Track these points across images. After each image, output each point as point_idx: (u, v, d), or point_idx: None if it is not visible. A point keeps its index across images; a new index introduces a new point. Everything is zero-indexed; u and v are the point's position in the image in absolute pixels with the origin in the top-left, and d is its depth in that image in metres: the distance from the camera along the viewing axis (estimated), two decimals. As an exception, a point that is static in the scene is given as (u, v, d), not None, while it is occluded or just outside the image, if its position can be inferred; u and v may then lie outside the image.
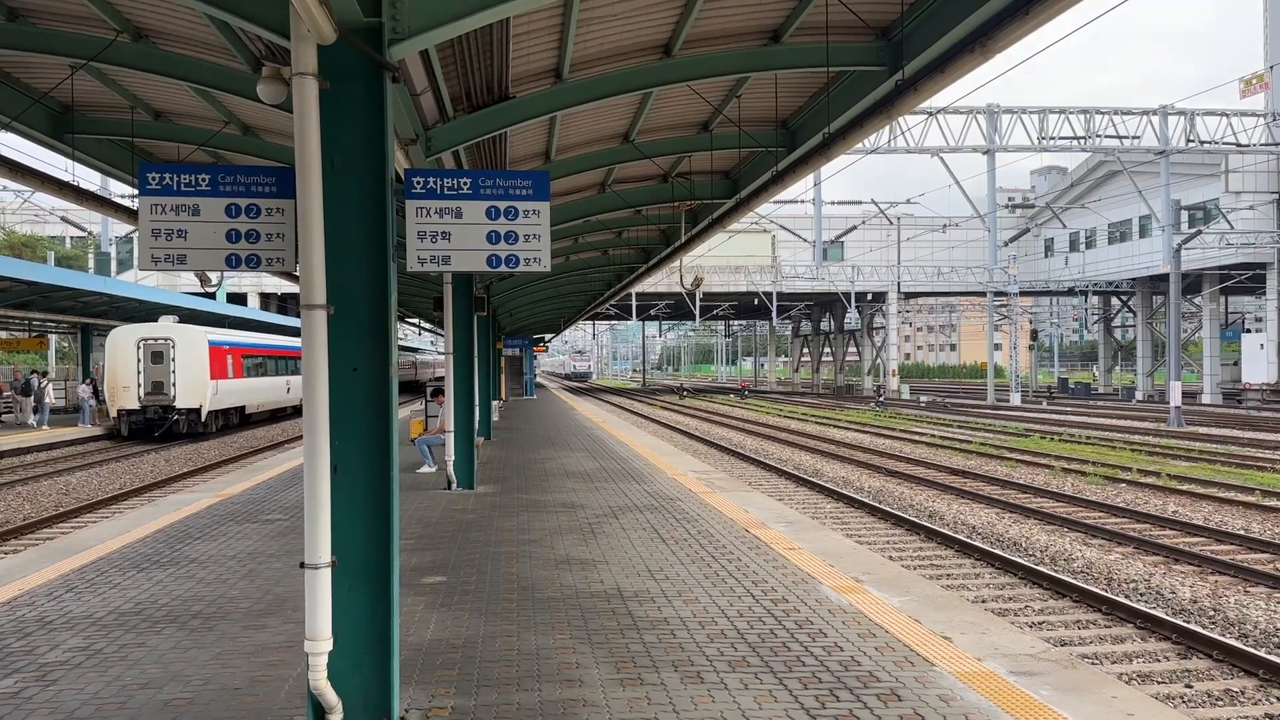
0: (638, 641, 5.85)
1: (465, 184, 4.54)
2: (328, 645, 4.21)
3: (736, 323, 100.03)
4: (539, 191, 4.58)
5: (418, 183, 4.52)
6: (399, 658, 4.55)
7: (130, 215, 12.17)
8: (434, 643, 5.83)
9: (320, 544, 4.18)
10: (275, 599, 6.93)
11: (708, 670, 5.31)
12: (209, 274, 19.24)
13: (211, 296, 40.69)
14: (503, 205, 4.56)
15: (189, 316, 32.02)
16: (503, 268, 4.52)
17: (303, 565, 4.21)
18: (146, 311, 31.59)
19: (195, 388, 27.36)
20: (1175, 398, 31.96)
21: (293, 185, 4.38)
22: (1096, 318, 61.33)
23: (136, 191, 11.23)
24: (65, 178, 11.25)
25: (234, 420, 31.21)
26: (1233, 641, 7.74)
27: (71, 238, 56.03)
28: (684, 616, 6.42)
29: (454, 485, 12.62)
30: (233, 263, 4.47)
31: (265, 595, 7.06)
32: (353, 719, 4.38)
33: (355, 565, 4.35)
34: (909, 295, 62.43)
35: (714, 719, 4.60)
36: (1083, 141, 40.68)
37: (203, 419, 27.68)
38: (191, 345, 27.49)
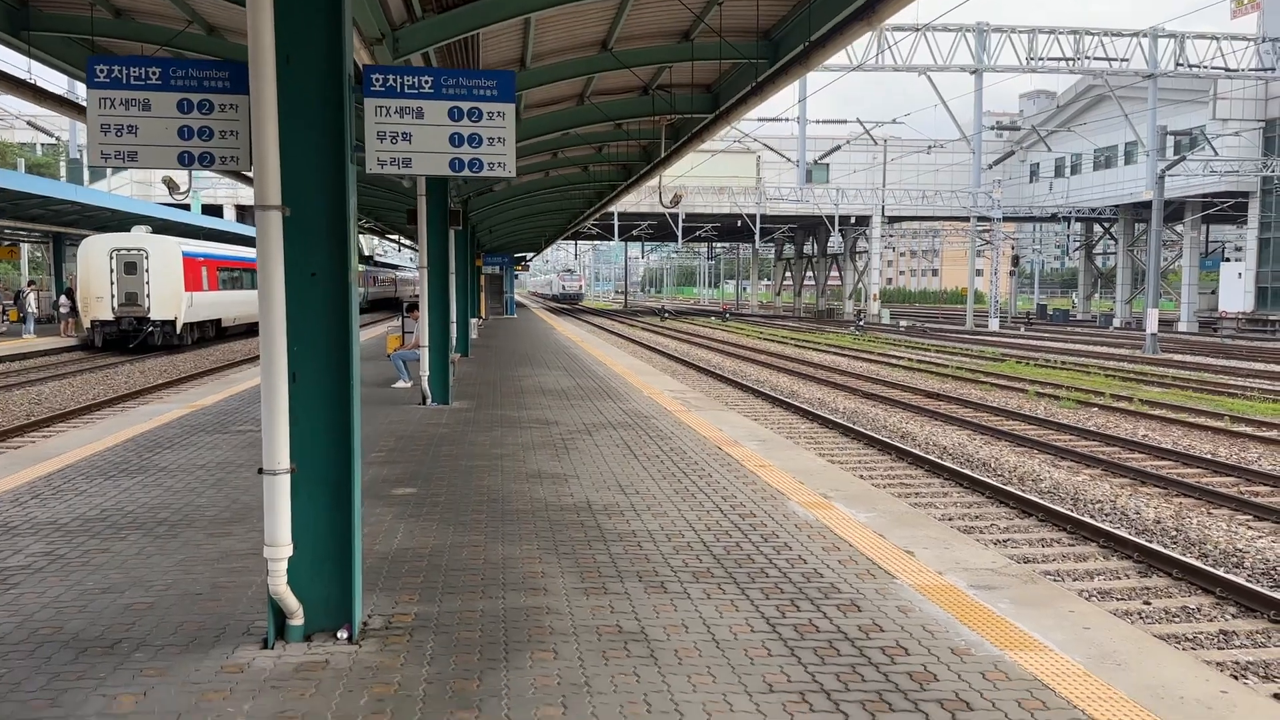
0: (604, 553, 5.88)
1: (427, 83, 4.39)
2: (287, 551, 4.19)
3: (719, 245, 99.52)
4: (504, 93, 4.43)
5: (377, 80, 4.37)
6: (361, 565, 4.54)
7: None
8: (400, 552, 5.84)
9: (278, 450, 4.13)
10: (243, 507, 6.91)
11: (671, 581, 5.34)
12: (176, 179, 18.86)
13: (186, 207, 40.05)
14: (466, 106, 4.41)
15: (163, 227, 31.52)
16: (466, 171, 4.39)
17: (261, 471, 4.16)
18: (119, 221, 31.11)
19: (170, 299, 27.07)
20: (1152, 325, 32.16)
21: (246, 80, 4.21)
22: (1078, 244, 61.36)
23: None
24: (24, 77, 10.88)
25: (210, 333, 30.97)
26: (1193, 561, 7.87)
27: (43, 144, 54.83)
28: (651, 529, 6.44)
29: (429, 400, 12.58)
30: (185, 160, 4.33)
31: (233, 504, 7.04)
32: (314, 624, 4.39)
33: (315, 472, 4.31)
34: (893, 219, 62.19)
35: (675, 626, 4.63)
36: (1071, 63, 40.18)
37: (178, 331, 27.45)
38: (166, 256, 27.12)
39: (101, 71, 4.26)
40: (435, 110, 4.39)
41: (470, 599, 4.99)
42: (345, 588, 4.37)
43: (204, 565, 5.52)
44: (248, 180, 12.27)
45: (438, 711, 3.68)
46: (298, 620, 4.34)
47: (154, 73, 4.28)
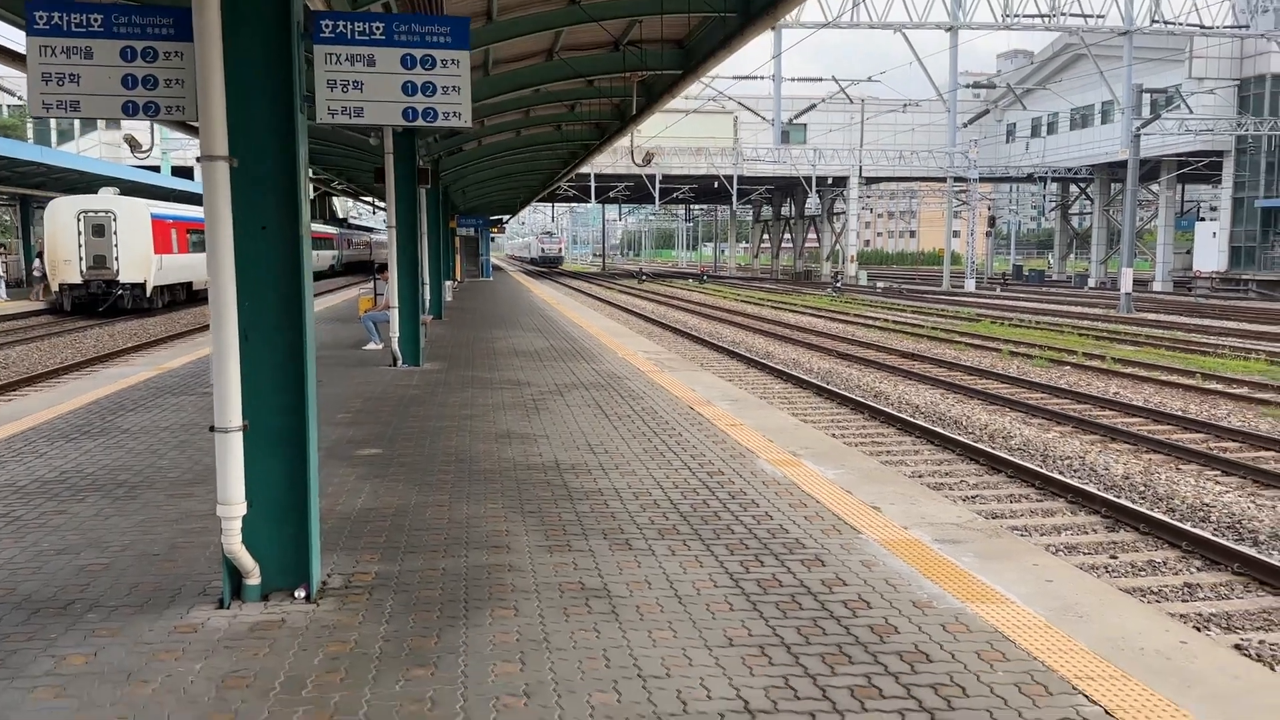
0: (570, 511, 5.84)
1: (378, 29, 4.26)
2: (241, 509, 4.13)
3: (697, 207, 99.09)
4: (458, 39, 4.31)
5: (326, 26, 4.23)
6: (319, 523, 4.48)
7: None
8: (364, 512, 5.78)
9: (230, 407, 4.04)
10: (205, 468, 6.82)
11: (637, 538, 5.32)
12: (138, 138, 18.50)
13: (155, 169, 39.43)
14: (419, 53, 4.29)
15: (132, 189, 31.02)
16: (420, 121, 4.28)
17: (213, 429, 4.08)
18: (88, 183, 30.55)
19: (139, 262, 26.68)
20: (1126, 284, 32.33)
21: (191, 26, 4.06)
22: (1054, 205, 61.50)
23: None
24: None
25: (181, 296, 30.61)
26: (1160, 515, 7.93)
27: (9, 106, 53.69)
28: (619, 488, 6.41)
29: (399, 362, 12.47)
30: (129, 110, 4.19)
31: (195, 465, 6.94)
32: (271, 583, 4.33)
33: (268, 430, 4.23)
34: (870, 180, 62.05)
35: (638, 582, 4.61)
36: (1047, 20, 39.99)
37: (148, 294, 27.09)
38: (134, 218, 26.69)
39: (41, 18, 4.11)
40: (387, 58, 4.26)
41: (433, 558, 4.95)
42: (302, 546, 4.31)
43: (163, 526, 5.45)
44: (195, 132, 11.95)
45: (393, 669, 3.64)
46: (254, 580, 4.28)
47: (96, 19, 4.12)
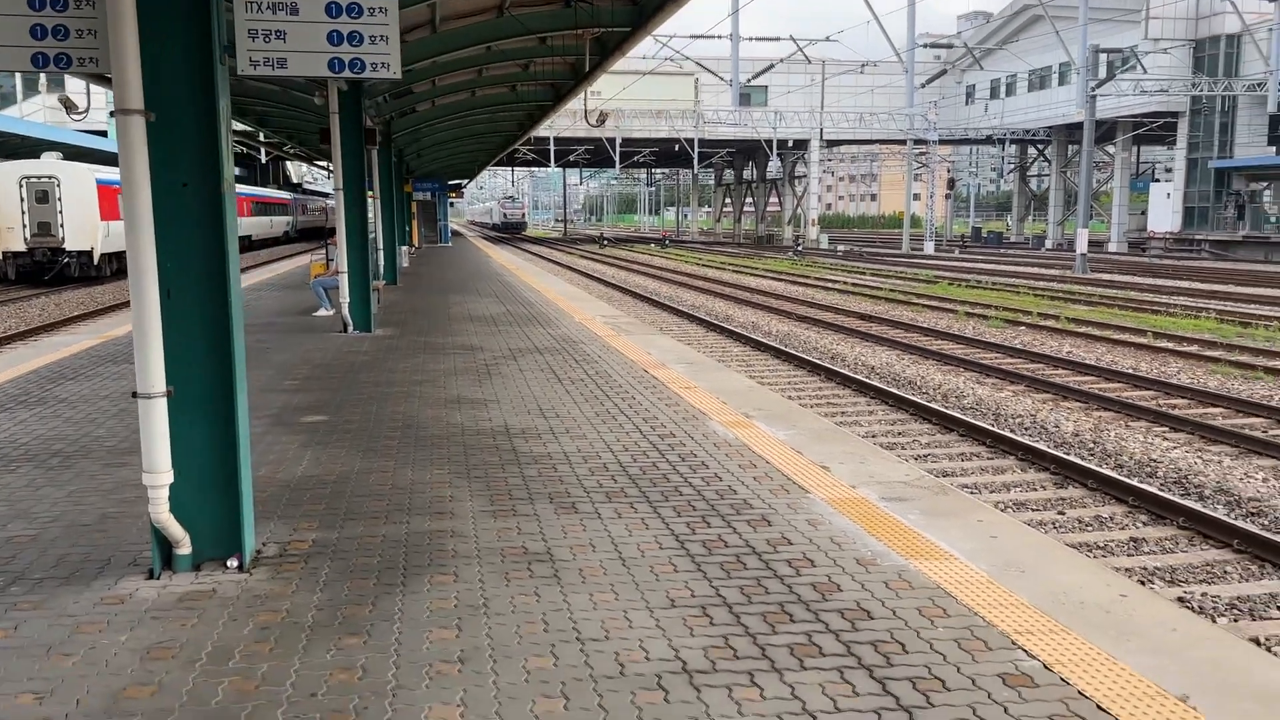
0: (517, 476, 5.76)
1: (300, -24, 4.09)
2: (167, 477, 4.00)
3: (659, 171, 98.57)
4: (385, -13, 4.15)
5: (245, -27, 4.06)
6: (251, 490, 4.36)
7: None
8: (303, 479, 5.66)
9: (152, 372, 3.90)
10: (143, 438, 6.64)
11: (583, 501, 5.25)
12: (73, 100, 17.97)
13: (103, 134, 38.46)
14: (344, 1, 4.13)
15: (77, 154, 30.22)
16: (346, 72, 4.12)
17: (135, 395, 3.94)
18: (30, 148, 29.71)
19: (85, 229, 26.06)
20: (1081, 245, 32.64)
21: (101, -27, 3.88)
22: (1012, 167, 61.87)
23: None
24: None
25: (131, 265, 29.94)
26: (1108, 471, 7.99)
27: (-55, 70, 52.04)
28: (568, 452, 6.33)
29: (349, 328, 12.27)
30: (39, 63, 4.00)
31: (133, 434, 6.75)
32: (203, 553, 4.22)
33: (195, 395, 4.09)
34: (831, 143, 61.97)
35: (582, 546, 4.55)
36: (1006, -20, 39.89)
37: (95, 262, 26.49)
38: (79, 184, 26.02)
39: (-61, -37, 3.90)
40: (311, 6, 4.09)
41: (373, 525, 4.85)
42: (234, 515, 4.19)
43: (95, 496, 5.30)
44: (108, 83, 11.54)
45: (324, 638, 3.55)
46: (185, 549, 4.16)
47: (-1, -35, 3.92)
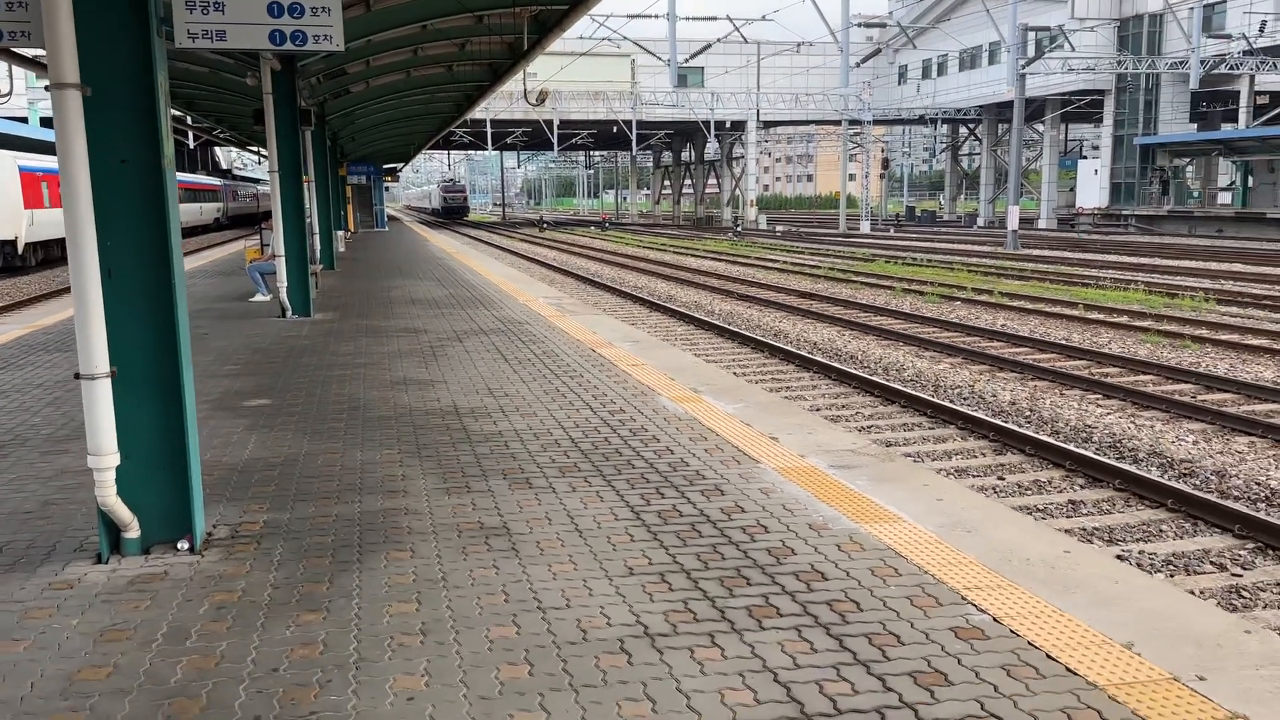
0: (469, 454, 5.74)
1: (239, -54, 4.01)
2: (113, 459, 3.92)
3: (597, 154, 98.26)
4: (327, -42, 4.08)
5: (182, -57, 3.97)
6: (200, 472, 4.30)
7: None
8: (251, 462, 5.58)
9: (94, 351, 3.82)
10: (81, 424, 6.46)
11: (537, 477, 5.26)
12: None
13: (24, 120, 37.21)
14: (285, -27, 4.06)
15: (-5, 141, 29.20)
16: (288, 45, 4.06)
17: (78, 376, 3.85)
18: (-56, 136, 28.69)
19: (8, 218, 25.25)
20: (1013, 222, 33.28)
21: (30, -58, 3.77)
22: (944, 146, 62.78)
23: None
24: None
25: (56, 253, 29.10)
26: (1044, 437, 8.21)
27: None
28: (519, 429, 6.33)
29: (288, 313, 12.08)
30: (-33, 36, 3.87)
31: (70, 421, 6.61)
32: (152, 536, 4.15)
33: (139, 375, 4.02)
34: (768, 124, 62.29)
35: (538, 519, 4.56)
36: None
37: (19, 252, 25.68)
38: (0, 171, 25.16)
39: None
40: (251, -23, 4.03)
41: (324, 505, 4.81)
42: (183, 496, 4.13)
43: (36, 483, 5.17)
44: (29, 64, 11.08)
45: (283, 616, 3.52)
46: (133, 533, 4.09)
47: (-80, -66, 3.79)
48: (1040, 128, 54.29)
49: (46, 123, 44.33)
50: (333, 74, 15.88)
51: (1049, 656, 3.20)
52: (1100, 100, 48.33)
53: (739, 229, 48.69)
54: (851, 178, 64.50)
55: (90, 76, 3.78)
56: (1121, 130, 47.30)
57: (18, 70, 35.32)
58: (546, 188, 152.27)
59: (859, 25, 49.99)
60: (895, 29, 55.34)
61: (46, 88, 3.81)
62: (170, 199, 3.97)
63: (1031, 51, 37.14)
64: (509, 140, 65.42)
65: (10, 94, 17.54)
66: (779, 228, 54.94)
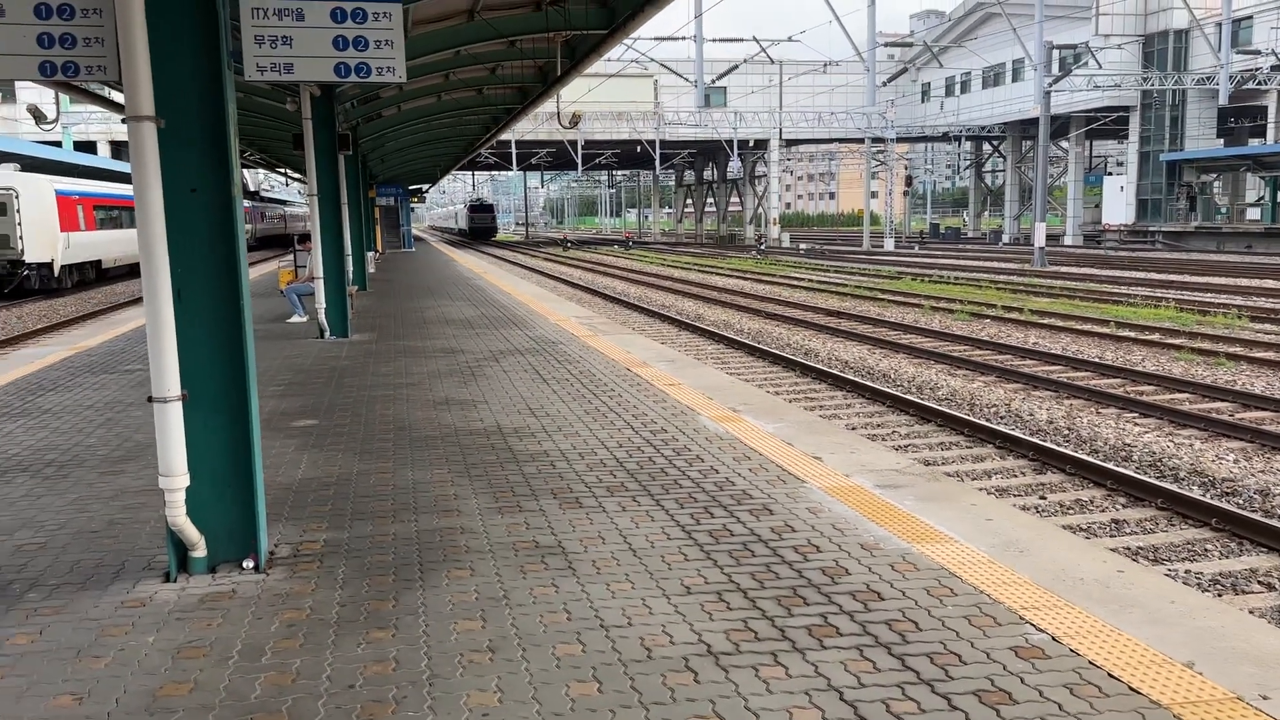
0: (517, 473, 5.82)
1: (306, -18, 4.14)
2: (184, 480, 4.03)
3: (620, 173, 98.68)
4: (390, -8, 4.21)
5: (252, -21, 4.10)
6: (264, 493, 4.39)
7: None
8: (305, 482, 5.69)
9: (167, 376, 3.93)
10: (135, 445, 6.63)
11: (586, 496, 5.33)
12: (42, 109, 17.73)
13: (57, 144, 37.87)
14: (349, 7, 4.18)
15: (33, 165, 29.70)
16: (353, 77, 4.18)
17: (151, 399, 3.96)
18: (-18, 160, 29.20)
19: (45, 241, 25.66)
20: (1039, 239, 33.18)
21: (108, -19, 3.90)
22: (968, 163, 62.69)
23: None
24: None
25: (90, 275, 29.54)
26: (1085, 456, 8.20)
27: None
28: (564, 449, 6.40)
29: (327, 334, 12.24)
30: (47, 71, 4.01)
31: (124, 442, 6.75)
32: (218, 555, 4.25)
33: (208, 398, 4.13)
34: (790, 142, 62.46)
35: (591, 538, 4.63)
36: (962, -20, 40.47)
37: (55, 274, 26.09)
38: (37, 195, 25.61)
39: (-55, -27, 3.90)
40: (317, 11, 4.14)
41: (381, 524, 4.90)
42: (248, 516, 4.23)
43: (98, 503, 5.29)
44: (105, 104, 11.35)
45: (353, 633, 3.60)
46: (200, 552, 4.19)
47: (5, -26, 3.93)
48: (1065, 144, 54.14)
49: (80, 147, 45.12)
50: (366, 99, 16.12)
51: (1111, 676, 3.23)
52: (1125, 117, 48.17)
53: (763, 247, 48.76)
54: (874, 195, 64.53)
55: (164, 109, 3.91)
56: (1147, 146, 47.10)
57: (46, 94, 35.98)
58: (569, 207, 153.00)
59: (886, 45, 50.11)
60: (918, 48, 55.46)
61: (123, 119, 3.94)
62: (238, 227, 4.09)
63: (1056, 69, 37.10)
64: (533, 160, 65.91)
65: (56, 121, 17.89)
66: (802, 246, 54.96)
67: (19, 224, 25.25)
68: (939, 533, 4.66)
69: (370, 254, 25.82)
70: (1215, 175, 46.09)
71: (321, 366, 10.05)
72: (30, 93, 46.19)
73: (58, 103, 21.33)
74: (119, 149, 51.41)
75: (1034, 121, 40.99)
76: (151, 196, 3.84)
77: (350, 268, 17.30)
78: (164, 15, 3.88)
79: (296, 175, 38.28)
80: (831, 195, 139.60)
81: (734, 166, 55.06)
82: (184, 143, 4.00)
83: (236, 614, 3.79)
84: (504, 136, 38.52)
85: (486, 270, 28.10)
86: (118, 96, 19.33)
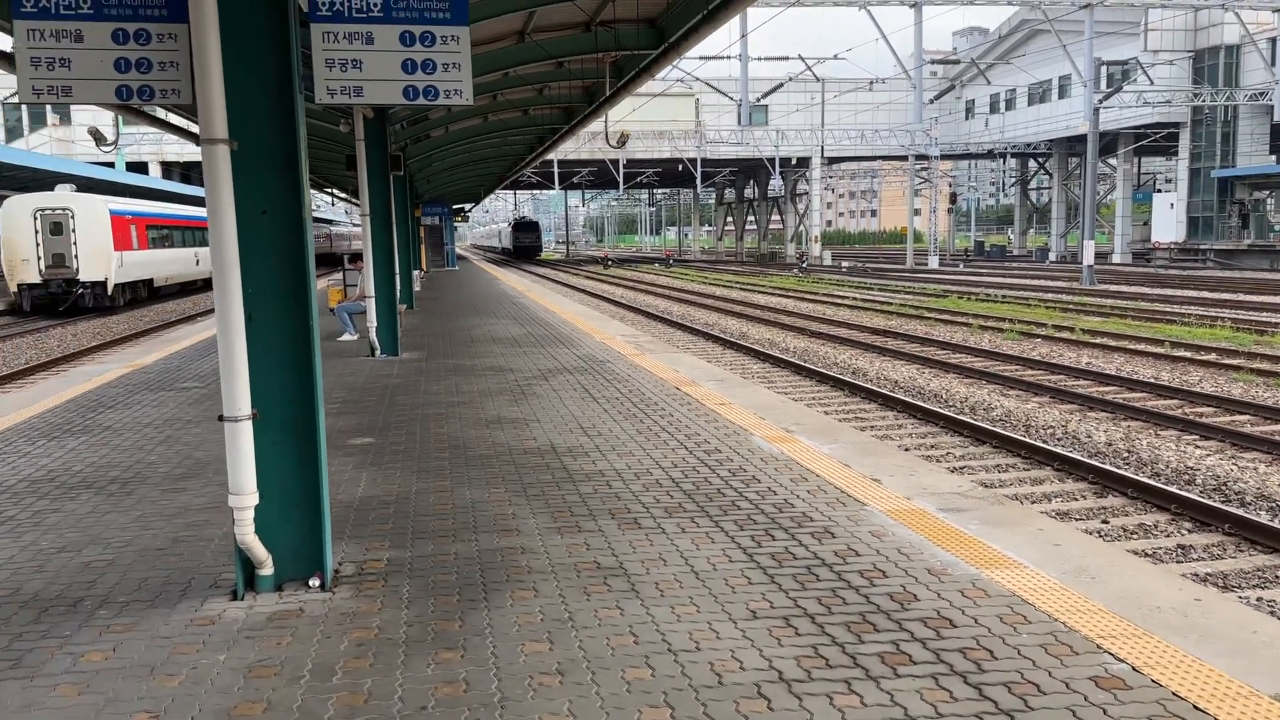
0: (574, 493, 5.81)
1: (376, 5, 4.18)
2: (253, 499, 4.06)
3: (660, 191, 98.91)
4: (457, 15, 4.24)
5: (323, 3, 4.15)
6: (330, 512, 4.42)
7: (9, 63, 11.23)
8: (365, 500, 5.72)
9: (239, 396, 3.97)
10: (196, 463, 6.71)
11: (644, 517, 5.30)
12: (102, 131, 18.13)
13: (110, 165, 38.70)
14: (418, 30, 4.22)
15: (87, 185, 30.39)
16: (421, 99, 4.21)
17: (222, 418, 4.00)
18: (41, 181, 29.89)
19: (99, 260, 26.20)
20: (1088, 257, 32.74)
21: (184, 7, 3.97)
22: (1013, 180, 62.11)
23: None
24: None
25: (142, 294, 30.11)
26: (1147, 479, 8.04)
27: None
28: (618, 469, 6.39)
29: (377, 352, 12.34)
30: (123, 95, 4.09)
31: (185, 459, 6.83)
32: (284, 573, 4.27)
33: (278, 417, 4.16)
34: (832, 160, 62.30)
35: (653, 560, 4.60)
36: (1010, -5, 40.27)
37: (109, 292, 26.62)
38: (92, 215, 26.18)
39: (28, 1, 3.99)
40: (386, 35, 4.19)
41: (442, 543, 4.90)
42: (315, 534, 4.25)
43: (162, 521, 5.35)
44: (188, 115, 11.61)
45: (421, 653, 3.60)
46: (267, 570, 4.22)
47: (85, 1, 4.01)
48: (1113, 161, 53.47)
49: (132, 168, 46.08)
50: (416, 120, 16.30)
51: (1196, 708, 3.14)
52: (1175, 133, 47.48)
53: (804, 265, 48.58)
54: (917, 212, 64.06)
55: (237, 131, 3.97)
56: (1198, 163, 46.37)
57: (103, 117, 36.77)
58: (608, 225, 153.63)
59: (933, 63, 49.89)
60: (964, 64, 55.15)
61: (198, 142, 4.00)
62: (308, 248, 4.13)
63: (1104, 85, 36.69)
64: (575, 179, 66.27)
65: (116, 143, 18.29)
66: (844, 263, 54.67)
67: (75, 243, 25.82)
68: (1007, 558, 4.57)
69: (416, 272, 26.06)
70: (1268, 192, 45.24)
71: (374, 384, 10.14)
72: (85, 115, 47.32)
73: (117, 125, 21.79)
74: (169, 169, 52.46)
75: (1081, 138, 40.57)
76: (225, 219, 3.90)
77: (398, 286, 17.49)
78: (238, 39, 3.94)
79: (342, 195, 38.80)
80: (873, 212, 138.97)
81: (775, 184, 54.99)
82: (256, 165, 4.05)
83: (305, 633, 3.80)
84: (546, 156, 38.79)
85: (529, 288, 28.24)
86: (174, 119, 19.72)
